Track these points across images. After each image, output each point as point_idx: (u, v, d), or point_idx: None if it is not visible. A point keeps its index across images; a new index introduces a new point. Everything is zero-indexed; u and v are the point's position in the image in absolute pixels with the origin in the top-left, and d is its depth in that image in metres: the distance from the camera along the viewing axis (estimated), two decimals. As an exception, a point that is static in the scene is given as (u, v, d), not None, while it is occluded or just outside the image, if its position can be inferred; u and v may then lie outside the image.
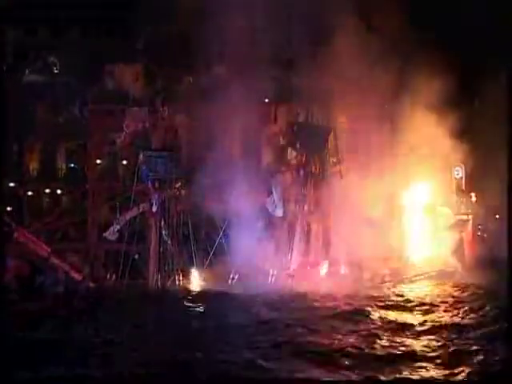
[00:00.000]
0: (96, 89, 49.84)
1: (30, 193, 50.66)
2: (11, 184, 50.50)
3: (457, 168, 60.14)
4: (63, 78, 52.75)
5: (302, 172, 48.56)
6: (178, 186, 47.48)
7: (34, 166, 51.11)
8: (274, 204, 47.05)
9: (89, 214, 46.94)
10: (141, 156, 45.55)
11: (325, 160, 49.66)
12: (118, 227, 44.48)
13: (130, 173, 46.94)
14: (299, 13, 47.84)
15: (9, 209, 49.82)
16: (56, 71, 53.47)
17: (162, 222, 45.58)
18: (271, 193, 47.14)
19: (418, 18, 50.03)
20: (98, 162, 49.98)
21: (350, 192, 47.00)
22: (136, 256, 45.11)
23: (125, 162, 48.40)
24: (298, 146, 49.47)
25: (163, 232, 45.63)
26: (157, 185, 46.39)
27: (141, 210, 46.02)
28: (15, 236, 44.41)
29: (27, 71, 52.30)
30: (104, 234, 44.41)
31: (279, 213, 47.24)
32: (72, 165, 51.68)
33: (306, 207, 48.57)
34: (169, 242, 45.45)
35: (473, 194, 61.01)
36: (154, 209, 45.23)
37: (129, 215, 45.30)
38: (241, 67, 45.79)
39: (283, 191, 47.64)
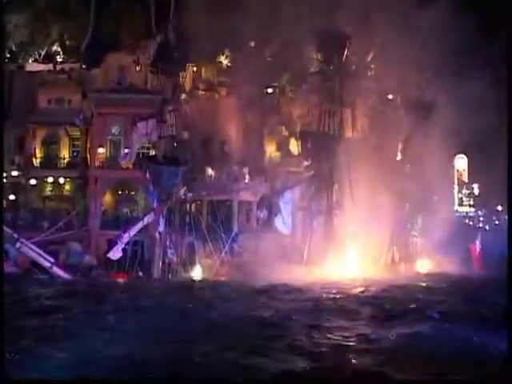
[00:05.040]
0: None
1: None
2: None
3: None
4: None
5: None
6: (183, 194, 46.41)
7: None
8: (282, 221, 45.97)
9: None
10: (147, 174, 43.92)
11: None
12: (122, 246, 43.31)
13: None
14: None
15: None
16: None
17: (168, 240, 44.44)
18: (280, 211, 45.99)
19: None
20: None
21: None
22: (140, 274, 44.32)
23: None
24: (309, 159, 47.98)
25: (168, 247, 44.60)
26: (163, 197, 45.19)
27: (145, 223, 44.93)
28: (18, 247, 43.70)
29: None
30: (107, 255, 43.23)
31: (287, 230, 46.18)
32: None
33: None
34: (173, 257, 44.54)
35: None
36: (161, 228, 43.93)
37: (132, 232, 44.09)
38: None
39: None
